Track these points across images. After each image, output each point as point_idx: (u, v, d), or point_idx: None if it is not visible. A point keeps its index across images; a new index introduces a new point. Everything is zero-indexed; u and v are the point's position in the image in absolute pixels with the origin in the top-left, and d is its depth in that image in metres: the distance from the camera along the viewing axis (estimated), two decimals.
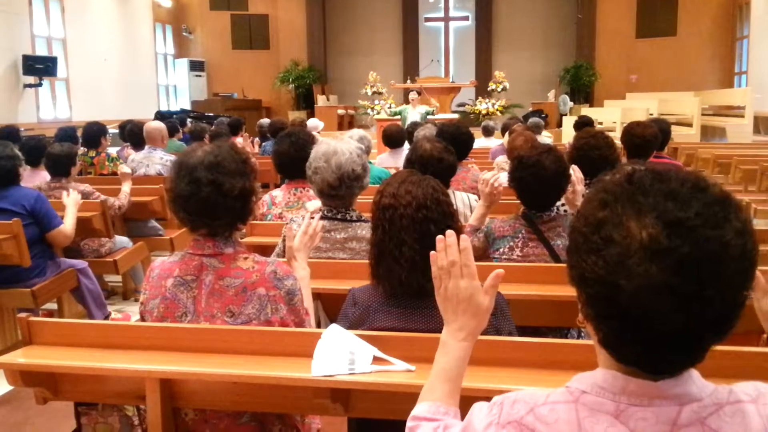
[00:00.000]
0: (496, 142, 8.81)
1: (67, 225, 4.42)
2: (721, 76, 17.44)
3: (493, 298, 1.42)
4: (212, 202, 2.08)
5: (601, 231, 0.98)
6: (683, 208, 0.94)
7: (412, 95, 11.87)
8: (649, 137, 4.61)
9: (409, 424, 1.33)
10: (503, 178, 3.27)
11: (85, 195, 4.91)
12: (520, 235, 2.99)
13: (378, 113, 14.67)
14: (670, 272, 0.92)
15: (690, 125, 13.60)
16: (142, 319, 2.24)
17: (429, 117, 11.02)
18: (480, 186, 3.35)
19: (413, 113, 11.25)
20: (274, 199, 3.75)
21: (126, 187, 5.42)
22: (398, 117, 11.72)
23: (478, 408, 1.19)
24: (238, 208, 2.15)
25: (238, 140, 9.52)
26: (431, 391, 1.38)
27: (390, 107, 14.64)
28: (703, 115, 14.13)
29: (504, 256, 2.99)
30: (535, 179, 2.90)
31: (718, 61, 17.45)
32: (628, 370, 1.03)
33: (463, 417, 1.26)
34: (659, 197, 0.96)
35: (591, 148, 3.79)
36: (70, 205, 4.52)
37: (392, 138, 6.75)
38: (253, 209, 2.24)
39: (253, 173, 2.21)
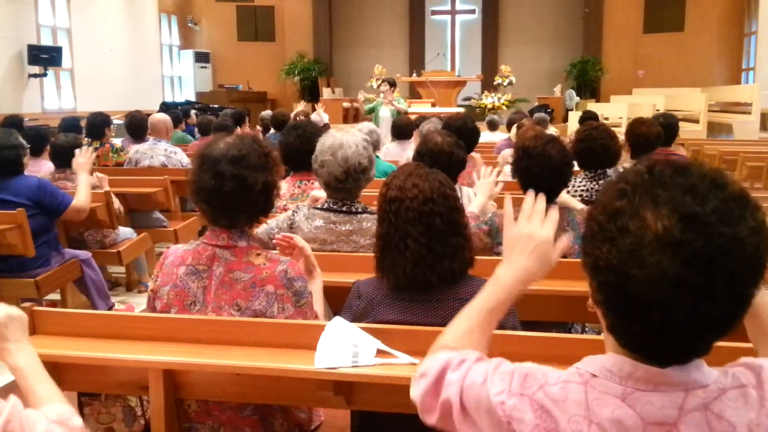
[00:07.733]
0: (501, 136, 8.78)
1: (81, 197, 4.35)
2: (728, 73, 17.35)
3: (558, 258, 1.36)
4: (236, 196, 2.09)
5: (617, 220, 0.99)
6: (700, 203, 0.94)
7: (384, 87, 9.77)
8: (653, 136, 4.62)
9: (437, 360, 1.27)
10: (508, 170, 3.27)
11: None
12: None
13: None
14: (681, 265, 0.93)
15: (696, 121, 13.54)
16: (152, 303, 2.23)
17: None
18: (481, 177, 3.38)
19: (384, 110, 9.58)
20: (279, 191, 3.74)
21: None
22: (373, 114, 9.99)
23: (495, 367, 1.18)
24: (261, 202, 2.17)
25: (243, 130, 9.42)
26: (466, 322, 1.34)
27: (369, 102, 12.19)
28: (709, 111, 14.07)
29: None
30: (541, 168, 2.89)
31: (725, 57, 17.35)
32: (636, 356, 1.05)
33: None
34: (677, 190, 0.96)
35: (594, 139, 3.83)
36: (82, 171, 4.47)
37: (401, 130, 6.82)
38: (274, 203, 2.25)
39: (276, 167, 2.23)
